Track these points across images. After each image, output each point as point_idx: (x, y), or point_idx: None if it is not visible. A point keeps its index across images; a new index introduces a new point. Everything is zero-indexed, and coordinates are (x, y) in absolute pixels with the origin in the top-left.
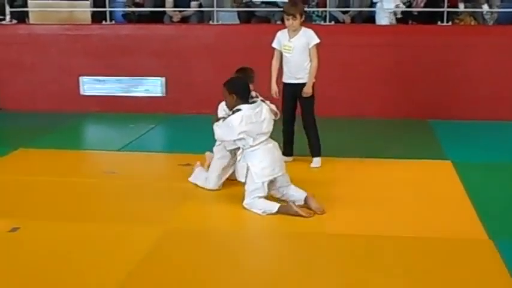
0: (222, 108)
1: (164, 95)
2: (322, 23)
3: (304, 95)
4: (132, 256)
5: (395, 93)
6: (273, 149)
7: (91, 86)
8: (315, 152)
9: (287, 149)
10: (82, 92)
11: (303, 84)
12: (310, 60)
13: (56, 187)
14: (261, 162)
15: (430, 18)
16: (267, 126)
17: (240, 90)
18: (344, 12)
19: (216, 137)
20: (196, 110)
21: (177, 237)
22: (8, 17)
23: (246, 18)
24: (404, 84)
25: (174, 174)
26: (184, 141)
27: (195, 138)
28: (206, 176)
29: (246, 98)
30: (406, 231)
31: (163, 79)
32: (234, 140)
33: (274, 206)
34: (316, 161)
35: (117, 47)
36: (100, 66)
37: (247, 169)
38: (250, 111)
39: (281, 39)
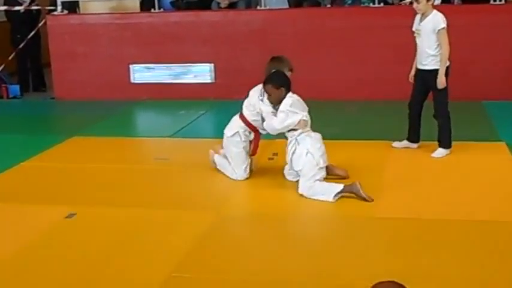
0: (257, 97)
1: (213, 81)
2: (371, 5)
3: (439, 87)
4: (186, 241)
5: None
6: (321, 138)
7: (141, 74)
8: (445, 142)
9: (411, 134)
10: (132, 80)
11: (429, 72)
12: (439, 47)
13: (109, 174)
14: (321, 147)
15: None
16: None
17: (287, 82)
18: None
19: (276, 129)
20: (245, 95)
21: (230, 223)
22: (59, 8)
23: (296, 2)
24: (457, 65)
25: None
26: None
27: None
28: (232, 167)
29: (290, 88)
30: (459, 214)
31: (212, 65)
32: (298, 122)
33: (338, 186)
34: (439, 151)
35: (166, 34)
36: (149, 54)
37: (306, 154)
38: (294, 96)
39: (416, 23)
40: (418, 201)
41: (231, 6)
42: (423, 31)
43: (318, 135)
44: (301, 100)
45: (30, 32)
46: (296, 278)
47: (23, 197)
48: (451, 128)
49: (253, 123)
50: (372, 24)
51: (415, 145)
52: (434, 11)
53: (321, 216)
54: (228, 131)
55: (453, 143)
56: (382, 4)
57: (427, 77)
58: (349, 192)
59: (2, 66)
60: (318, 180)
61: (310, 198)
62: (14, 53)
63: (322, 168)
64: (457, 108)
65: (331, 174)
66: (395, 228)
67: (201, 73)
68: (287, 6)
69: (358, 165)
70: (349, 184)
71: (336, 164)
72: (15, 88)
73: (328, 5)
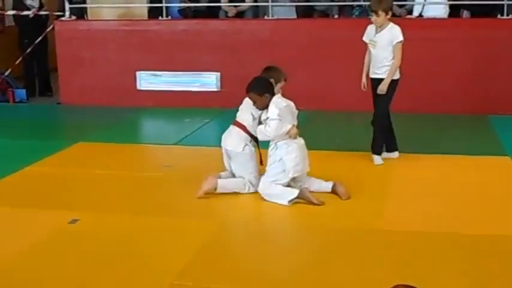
0: (250, 108)
1: (219, 89)
2: None
3: (378, 92)
4: (189, 248)
5: (454, 89)
6: (304, 146)
7: (147, 81)
8: (375, 149)
9: (388, 145)
10: (139, 87)
11: (382, 80)
12: (393, 58)
13: (113, 180)
14: (296, 157)
15: (488, 12)
16: (295, 118)
17: (269, 88)
18: (400, 6)
19: (269, 137)
20: None
21: (232, 231)
22: (67, 13)
23: (304, 13)
24: (464, 79)
25: None
26: None
27: None
28: (247, 181)
29: (273, 93)
30: (463, 228)
31: (219, 74)
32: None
33: (294, 192)
34: (376, 159)
35: (173, 42)
36: (156, 61)
37: (279, 160)
38: (282, 102)
39: (369, 33)
40: (421, 215)
41: (239, 15)
42: (379, 42)
43: (298, 144)
44: (290, 105)
45: (38, 36)
46: None
47: (27, 202)
48: (382, 138)
49: (252, 132)
50: None
51: (396, 154)
52: (391, 24)
53: (324, 227)
54: (236, 147)
55: (458, 156)
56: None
57: (378, 85)
58: (302, 199)
59: (9, 71)
60: (279, 184)
61: (265, 200)
62: (21, 58)
63: (290, 176)
64: (463, 122)
65: (334, 192)
66: (398, 241)
67: (207, 81)
68: (295, 16)
69: (362, 177)
70: (300, 190)
71: (340, 175)
72: (22, 92)
73: (336, 16)
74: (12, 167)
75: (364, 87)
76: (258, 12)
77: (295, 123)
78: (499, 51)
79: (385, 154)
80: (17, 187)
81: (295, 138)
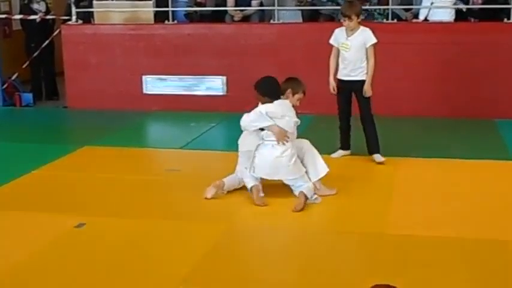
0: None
1: (225, 93)
2: (384, 21)
3: (365, 95)
4: (195, 253)
5: (461, 92)
6: (286, 152)
7: (153, 85)
8: (375, 148)
9: (344, 144)
10: (145, 91)
11: (358, 82)
12: (367, 59)
13: (120, 184)
14: (266, 159)
15: (493, 16)
16: (285, 125)
17: (272, 92)
18: (406, 10)
19: (242, 125)
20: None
21: (239, 235)
22: (74, 18)
23: (310, 17)
24: (471, 83)
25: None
26: None
27: None
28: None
29: (276, 97)
30: (467, 232)
31: (225, 78)
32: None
33: (250, 184)
34: (378, 157)
35: (179, 46)
36: (162, 65)
37: (254, 158)
38: (273, 106)
39: (338, 37)
40: (425, 219)
41: (245, 19)
42: (353, 45)
43: (279, 149)
44: (287, 107)
45: (44, 40)
46: None
47: (33, 205)
48: (377, 135)
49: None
50: (384, 40)
51: (348, 152)
52: (362, 27)
53: (329, 231)
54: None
55: (464, 161)
56: (395, 20)
57: (355, 87)
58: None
59: (16, 75)
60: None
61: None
62: (27, 61)
63: (253, 174)
64: (469, 126)
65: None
66: (402, 245)
67: (213, 85)
68: (301, 20)
69: (367, 181)
70: (253, 185)
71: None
72: (28, 96)
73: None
74: (18, 170)
75: (334, 89)
76: (263, 17)
77: (289, 130)
78: (505, 55)
79: (340, 152)
80: (24, 191)
81: (282, 141)
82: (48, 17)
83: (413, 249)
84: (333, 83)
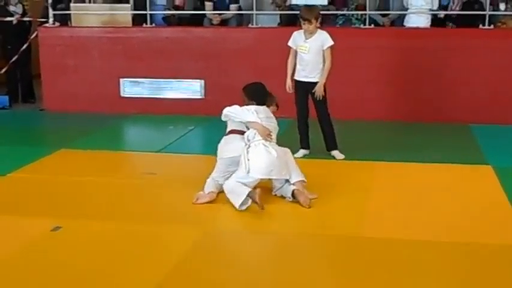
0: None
1: (203, 97)
2: (361, 26)
3: (316, 95)
4: (172, 255)
5: (435, 97)
6: (276, 152)
7: (131, 88)
8: (333, 144)
9: (304, 143)
10: (122, 94)
11: (315, 83)
12: (324, 61)
13: (96, 187)
14: (261, 158)
15: (470, 21)
16: (268, 126)
17: (259, 99)
18: (384, 15)
19: (224, 114)
20: None
21: (216, 237)
22: (51, 20)
23: (288, 21)
24: (445, 87)
25: None
26: None
27: None
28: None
29: (262, 103)
30: (444, 236)
31: (203, 81)
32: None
33: (244, 191)
34: (338, 153)
35: (157, 49)
36: (140, 68)
37: (247, 160)
38: (259, 107)
39: (297, 40)
40: (402, 222)
41: (223, 23)
42: (312, 48)
43: (272, 149)
44: (269, 113)
45: (21, 43)
46: None
47: (8, 209)
48: (334, 133)
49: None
50: (361, 45)
51: (308, 151)
52: (319, 30)
53: (308, 234)
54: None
55: (439, 165)
56: (372, 25)
57: (311, 88)
58: (250, 197)
59: None
60: (241, 183)
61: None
62: (6, 67)
63: (252, 177)
64: (444, 131)
65: (294, 201)
66: (378, 248)
67: (191, 89)
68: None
69: (343, 185)
70: (250, 190)
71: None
72: (4, 99)
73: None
74: None
75: (289, 89)
76: (242, 21)
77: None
78: (480, 60)
79: (301, 151)
80: None
81: (266, 139)
82: (25, 19)
83: (390, 252)
84: (289, 83)
